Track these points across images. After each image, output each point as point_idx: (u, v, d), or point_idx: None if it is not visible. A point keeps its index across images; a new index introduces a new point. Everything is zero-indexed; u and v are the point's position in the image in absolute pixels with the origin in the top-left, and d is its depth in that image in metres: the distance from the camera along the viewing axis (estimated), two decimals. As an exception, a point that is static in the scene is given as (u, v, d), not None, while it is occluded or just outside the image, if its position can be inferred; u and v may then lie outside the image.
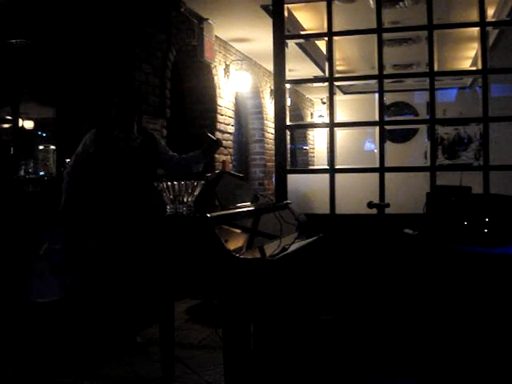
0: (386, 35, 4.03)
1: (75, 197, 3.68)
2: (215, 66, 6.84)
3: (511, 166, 3.72)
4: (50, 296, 3.74)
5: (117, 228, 3.55)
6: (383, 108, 3.91)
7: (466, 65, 5.96)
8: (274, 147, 4.20)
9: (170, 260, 2.53)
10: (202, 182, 2.68)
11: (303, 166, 11.01)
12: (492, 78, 3.81)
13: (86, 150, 3.68)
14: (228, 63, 7.29)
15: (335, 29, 3.99)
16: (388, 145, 4.00)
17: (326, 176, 3.99)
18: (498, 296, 2.65)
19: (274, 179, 4.31)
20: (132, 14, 4.95)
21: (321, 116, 10.75)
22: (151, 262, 2.61)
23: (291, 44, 4.36)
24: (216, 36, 6.63)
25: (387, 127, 4.00)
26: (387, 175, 3.86)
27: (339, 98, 4.45)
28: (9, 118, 6.25)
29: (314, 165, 10.98)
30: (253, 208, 3.11)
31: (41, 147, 7.44)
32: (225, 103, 7.16)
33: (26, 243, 4.11)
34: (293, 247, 2.70)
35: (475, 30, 3.91)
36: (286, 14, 4.15)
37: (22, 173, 5.95)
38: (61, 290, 3.74)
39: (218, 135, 6.92)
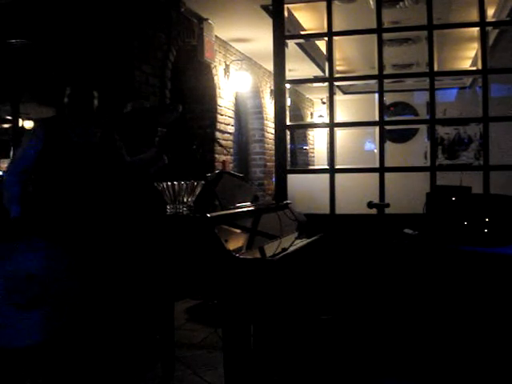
0: (385, 35, 4.03)
1: (30, 203, 3.07)
2: (215, 66, 6.84)
3: (511, 166, 3.73)
4: (28, 340, 2.85)
5: (89, 238, 3.05)
6: (383, 108, 3.91)
7: (465, 65, 5.96)
8: (274, 147, 4.20)
9: (170, 260, 2.52)
10: (202, 182, 2.68)
11: (303, 166, 11.01)
12: (492, 78, 3.81)
13: (37, 145, 3.09)
14: (228, 63, 7.29)
15: (335, 29, 3.99)
16: (388, 145, 4.00)
17: (326, 176, 3.99)
18: (498, 296, 2.65)
19: (273, 179, 4.31)
20: (132, 14, 4.95)
21: (321, 116, 10.75)
22: (151, 262, 2.60)
23: (291, 44, 4.36)
24: (216, 36, 6.63)
25: (387, 127, 4.00)
26: (387, 175, 3.86)
27: (339, 97, 4.45)
28: (9, 117, 6.25)
29: (314, 165, 10.97)
30: (253, 208, 3.11)
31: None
32: (225, 103, 7.16)
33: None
34: (293, 247, 2.70)
35: (475, 30, 3.91)
36: (286, 14, 4.15)
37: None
38: (43, 331, 2.86)
39: (218, 135, 6.92)
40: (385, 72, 3.97)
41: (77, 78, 4.78)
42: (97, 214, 3.15)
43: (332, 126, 4.02)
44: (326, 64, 4.05)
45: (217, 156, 6.78)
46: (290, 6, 4.34)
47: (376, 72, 3.92)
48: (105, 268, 3.08)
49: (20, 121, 6.52)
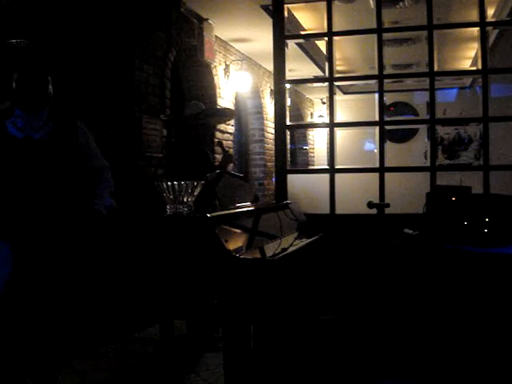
0: (386, 35, 4.03)
1: None
2: (215, 66, 6.84)
3: (511, 166, 3.73)
4: None
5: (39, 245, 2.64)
6: (383, 108, 3.90)
7: (466, 65, 5.95)
8: (274, 147, 4.20)
9: (169, 260, 2.52)
10: (202, 182, 2.68)
11: (303, 166, 11.01)
12: (492, 78, 3.81)
13: None
14: (228, 63, 7.29)
15: (335, 29, 3.98)
16: (388, 145, 4.00)
17: (326, 176, 3.98)
18: (498, 296, 2.65)
19: (274, 179, 4.32)
20: (132, 14, 4.95)
21: (321, 116, 10.76)
22: (150, 262, 2.60)
23: (291, 44, 4.36)
24: (216, 36, 6.63)
25: (387, 127, 4.00)
26: (387, 175, 3.86)
27: (339, 98, 4.45)
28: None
29: (314, 165, 10.98)
30: (253, 208, 3.11)
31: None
32: (225, 103, 7.16)
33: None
34: (293, 247, 2.70)
35: (475, 30, 3.91)
36: (285, 14, 4.15)
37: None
38: None
39: (218, 135, 6.93)
40: (385, 72, 3.97)
41: (77, 78, 4.77)
42: (32, 220, 2.64)
43: (332, 126, 4.02)
44: (326, 64, 4.05)
45: (217, 156, 6.77)
46: (289, 5, 4.33)
47: (376, 72, 3.92)
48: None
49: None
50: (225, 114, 4.93)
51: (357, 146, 4.73)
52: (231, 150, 7.41)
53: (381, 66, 3.89)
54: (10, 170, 2.66)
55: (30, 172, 2.66)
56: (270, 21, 4.27)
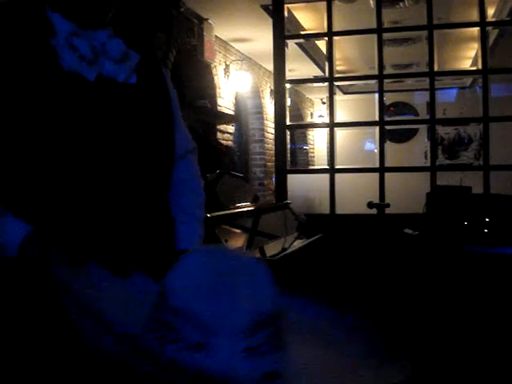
0: (386, 35, 4.04)
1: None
2: (215, 66, 6.84)
3: (511, 166, 3.73)
4: None
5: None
6: (383, 108, 3.91)
7: (466, 65, 5.96)
8: (274, 147, 4.21)
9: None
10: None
11: (303, 166, 11.00)
12: (492, 78, 3.81)
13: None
14: (228, 63, 7.29)
15: (335, 29, 3.99)
16: (388, 145, 4.00)
17: (326, 176, 3.99)
18: (498, 296, 2.65)
19: (273, 179, 4.32)
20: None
21: (321, 116, 10.74)
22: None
23: (291, 44, 4.36)
24: (216, 36, 6.63)
25: (387, 127, 4.01)
26: (387, 175, 3.86)
27: (339, 98, 4.46)
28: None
29: (314, 165, 10.96)
30: (253, 208, 3.11)
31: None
32: (225, 103, 7.16)
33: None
34: (293, 247, 2.70)
35: (475, 30, 3.92)
36: (285, 13, 4.15)
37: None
38: None
39: (218, 135, 6.93)
40: (385, 72, 3.97)
41: None
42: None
43: (332, 126, 4.02)
44: (326, 64, 4.05)
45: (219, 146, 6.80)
46: (289, 5, 4.34)
47: (376, 72, 3.93)
48: None
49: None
50: (226, 118, 5.01)
51: (357, 145, 4.75)
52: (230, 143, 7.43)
53: (381, 66, 3.89)
54: (66, 142, 1.19)
55: (106, 148, 1.25)
56: (270, 21, 4.27)
